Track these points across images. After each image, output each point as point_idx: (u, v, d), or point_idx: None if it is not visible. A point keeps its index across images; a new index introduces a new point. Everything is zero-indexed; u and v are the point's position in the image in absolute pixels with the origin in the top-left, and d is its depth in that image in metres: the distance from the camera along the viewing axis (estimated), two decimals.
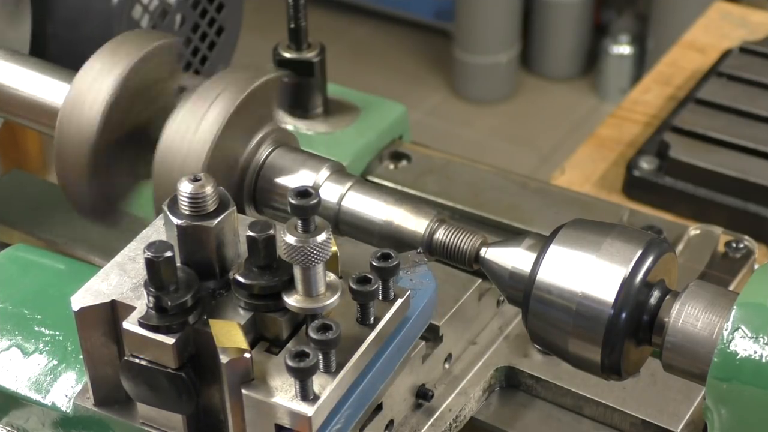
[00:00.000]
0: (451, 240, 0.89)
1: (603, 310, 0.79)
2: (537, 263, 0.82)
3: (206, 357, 0.75)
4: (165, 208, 0.77)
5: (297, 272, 0.74)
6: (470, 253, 0.88)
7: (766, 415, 0.74)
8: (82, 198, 0.94)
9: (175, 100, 0.93)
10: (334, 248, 0.77)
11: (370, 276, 0.76)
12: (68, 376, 0.84)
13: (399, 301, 0.78)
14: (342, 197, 0.94)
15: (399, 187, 1.12)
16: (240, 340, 0.73)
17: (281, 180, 0.94)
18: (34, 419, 0.85)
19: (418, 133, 1.27)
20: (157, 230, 0.81)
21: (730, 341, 0.74)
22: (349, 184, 0.94)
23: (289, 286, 0.75)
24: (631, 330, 0.80)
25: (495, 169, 1.18)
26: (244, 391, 0.73)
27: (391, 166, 1.18)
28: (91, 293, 0.77)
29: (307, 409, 0.72)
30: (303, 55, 1.17)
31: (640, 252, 0.80)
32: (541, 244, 0.83)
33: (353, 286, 0.75)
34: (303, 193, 0.73)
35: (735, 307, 0.75)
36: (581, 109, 3.51)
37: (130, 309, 0.76)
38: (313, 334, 0.72)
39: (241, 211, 0.94)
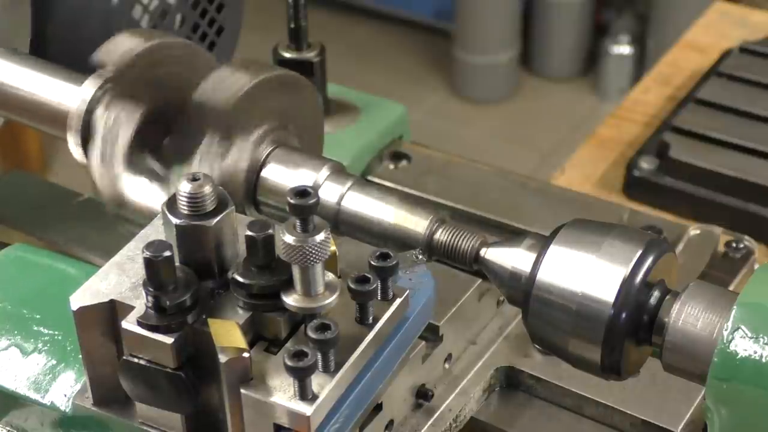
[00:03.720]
0: (451, 240, 0.89)
1: (603, 310, 0.79)
2: (537, 263, 0.82)
3: (205, 356, 0.74)
4: (164, 207, 0.77)
5: (296, 272, 0.74)
6: (470, 253, 0.88)
7: (766, 415, 0.74)
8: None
9: None
10: (333, 248, 0.77)
11: (369, 275, 0.76)
12: (67, 376, 0.84)
13: (398, 301, 0.78)
14: (342, 197, 0.94)
15: (399, 187, 1.12)
16: (239, 340, 0.73)
17: (281, 180, 0.94)
18: (33, 419, 0.85)
19: (418, 133, 1.27)
20: (156, 230, 0.81)
21: (730, 341, 0.74)
22: (349, 184, 0.94)
23: (288, 285, 0.75)
24: (631, 330, 0.80)
25: (495, 169, 1.18)
26: (242, 391, 0.73)
27: (391, 166, 1.18)
28: (89, 293, 0.77)
29: (305, 409, 0.72)
30: (303, 55, 1.17)
31: (640, 252, 0.79)
32: (541, 244, 0.83)
33: (352, 286, 0.75)
34: (301, 192, 0.73)
35: (735, 307, 0.75)
36: (581, 109, 3.51)
37: (129, 309, 0.75)
38: (311, 334, 0.72)
39: (240, 210, 0.94)
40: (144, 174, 0.94)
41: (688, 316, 0.78)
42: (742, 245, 1.11)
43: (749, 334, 0.74)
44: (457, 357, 0.95)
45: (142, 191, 0.93)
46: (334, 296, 0.75)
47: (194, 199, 0.76)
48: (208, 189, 0.76)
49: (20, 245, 0.95)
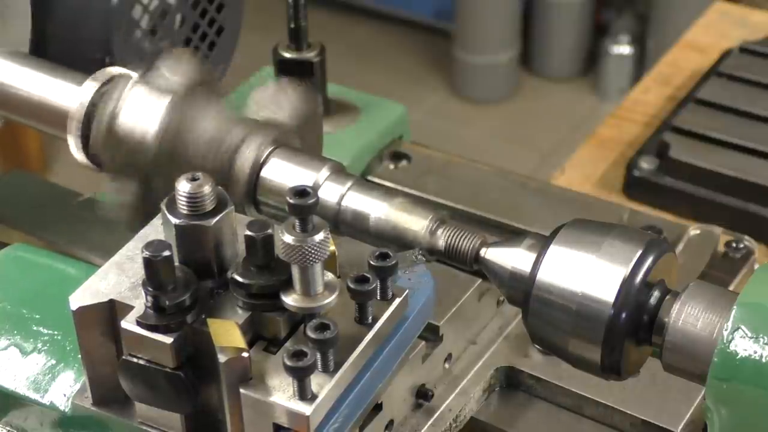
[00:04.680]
0: (451, 240, 0.89)
1: (603, 310, 0.79)
2: (537, 263, 0.82)
3: (204, 356, 0.74)
4: (163, 207, 0.77)
5: (295, 271, 0.74)
6: (470, 253, 0.88)
7: (766, 415, 0.74)
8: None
9: None
10: (332, 248, 0.77)
11: (368, 275, 0.76)
12: (67, 376, 0.84)
13: (397, 301, 0.78)
14: (342, 197, 0.93)
15: (399, 187, 1.12)
16: (238, 340, 0.73)
17: (281, 180, 0.94)
18: (32, 419, 0.85)
19: (418, 133, 1.27)
20: (155, 230, 0.81)
21: (730, 341, 0.74)
22: (349, 184, 0.94)
23: (288, 285, 0.75)
24: (631, 330, 0.80)
25: (495, 169, 1.18)
26: (242, 391, 0.73)
27: (391, 166, 1.18)
28: (89, 292, 0.77)
29: (305, 409, 0.72)
30: (303, 55, 1.17)
31: (640, 252, 0.79)
32: (541, 244, 0.83)
33: (351, 286, 0.75)
34: (301, 192, 0.73)
35: (735, 307, 0.75)
36: (581, 109, 3.51)
37: (129, 308, 0.75)
38: (311, 334, 0.72)
39: (240, 211, 0.94)
40: None
41: (688, 316, 0.78)
42: (742, 245, 1.11)
43: (749, 334, 0.74)
44: (457, 357, 0.95)
45: None
46: (334, 296, 0.75)
47: (193, 199, 0.76)
48: (207, 189, 0.76)
49: (20, 245, 0.95)
